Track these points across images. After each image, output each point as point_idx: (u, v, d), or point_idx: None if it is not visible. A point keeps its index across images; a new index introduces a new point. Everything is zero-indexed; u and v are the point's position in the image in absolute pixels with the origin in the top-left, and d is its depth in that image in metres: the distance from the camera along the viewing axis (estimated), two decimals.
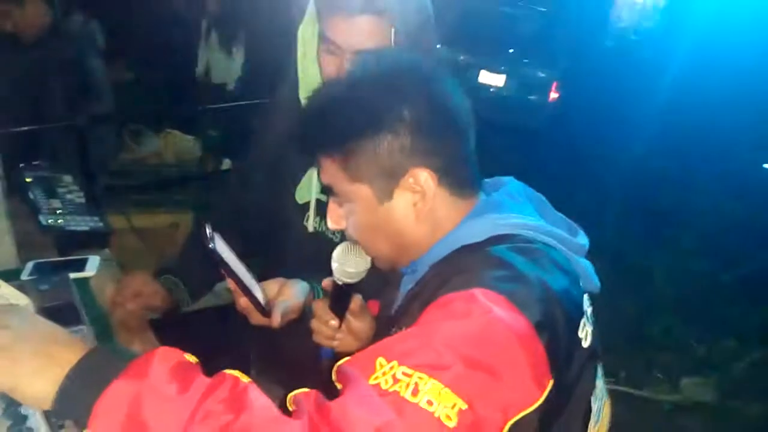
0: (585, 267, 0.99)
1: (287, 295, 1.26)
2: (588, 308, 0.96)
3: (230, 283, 1.14)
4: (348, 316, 1.14)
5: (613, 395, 1.09)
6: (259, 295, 1.19)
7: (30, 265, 1.59)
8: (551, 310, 0.82)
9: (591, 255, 1.02)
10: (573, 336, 0.88)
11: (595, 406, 0.95)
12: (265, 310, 1.20)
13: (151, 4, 6.75)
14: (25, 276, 1.55)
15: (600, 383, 0.98)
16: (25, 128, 2.61)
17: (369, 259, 1.06)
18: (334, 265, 1.08)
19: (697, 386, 3.53)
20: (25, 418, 0.78)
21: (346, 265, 1.07)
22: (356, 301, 1.12)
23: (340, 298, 1.12)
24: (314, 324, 1.16)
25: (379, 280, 1.15)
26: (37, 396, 0.71)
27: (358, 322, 1.15)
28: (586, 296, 0.97)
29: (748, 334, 3.94)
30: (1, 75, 2.48)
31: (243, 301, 1.20)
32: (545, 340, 0.79)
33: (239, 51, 5.94)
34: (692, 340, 3.95)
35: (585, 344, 0.91)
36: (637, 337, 3.94)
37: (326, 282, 1.14)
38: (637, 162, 6.19)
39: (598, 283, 1.01)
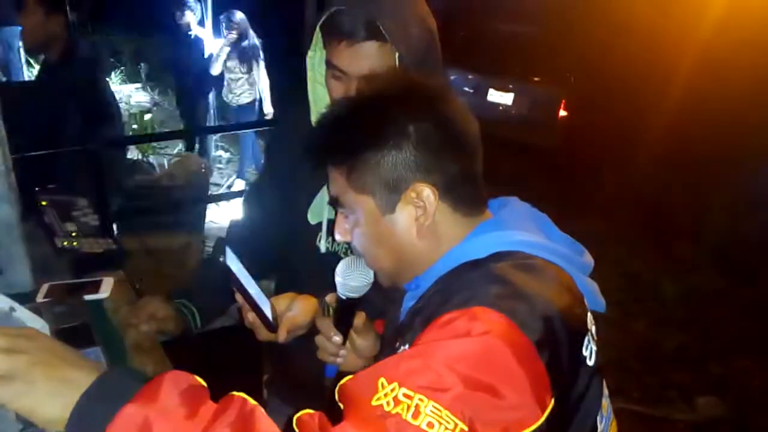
0: (590, 286, 0.99)
1: (296, 310, 1.29)
2: (592, 327, 0.96)
3: (238, 297, 1.16)
4: (351, 333, 1.14)
5: (628, 415, 1.08)
6: (268, 311, 1.21)
7: (45, 287, 1.62)
8: (553, 328, 0.82)
9: (600, 273, 1.03)
10: (577, 354, 0.88)
11: (601, 426, 0.94)
12: (272, 326, 1.22)
13: (163, 28, 6.85)
14: (40, 298, 1.57)
15: (606, 402, 0.98)
16: (41, 152, 2.65)
17: (372, 274, 1.07)
18: (338, 279, 1.09)
19: (712, 405, 3.49)
20: None
21: (349, 279, 1.08)
22: (359, 317, 1.13)
23: (343, 313, 1.13)
24: (318, 340, 1.17)
25: (383, 299, 1.16)
26: (52, 419, 0.72)
27: (362, 340, 1.15)
28: (590, 315, 0.97)
29: (764, 352, 3.90)
30: (19, 99, 2.53)
31: (251, 317, 1.22)
32: (546, 358, 0.79)
33: (258, 74, 6.09)
34: (707, 358, 3.91)
35: (590, 362, 0.91)
36: (651, 355, 3.91)
37: (330, 297, 1.15)
38: (647, 176, 6.17)
39: (603, 302, 1.02)
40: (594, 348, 0.93)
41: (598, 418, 0.93)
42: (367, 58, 1.24)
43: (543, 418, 0.76)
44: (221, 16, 6.06)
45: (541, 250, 0.94)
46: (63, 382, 0.73)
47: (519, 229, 0.96)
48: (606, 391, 0.98)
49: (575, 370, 0.87)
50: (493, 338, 0.76)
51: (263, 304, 1.20)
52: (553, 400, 0.78)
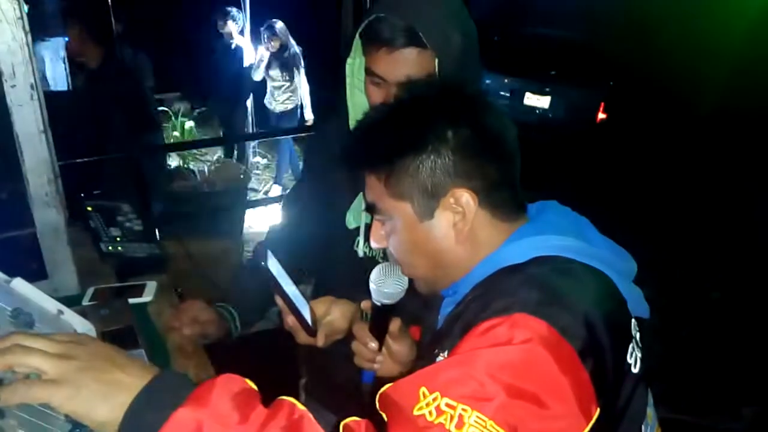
0: (633, 291, 0.97)
1: (334, 315, 1.29)
2: (636, 333, 0.93)
3: (278, 300, 1.17)
4: (387, 338, 1.14)
5: (672, 424, 1.06)
6: (307, 315, 1.21)
7: (91, 290, 1.66)
8: (596, 335, 0.80)
9: (644, 279, 1.00)
10: (621, 362, 0.86)
11: None
12: (311, 330, 1.22)
13: (201, 36, 6.97)
14: (86, 301, 1.61)
15: (651, 411, 0.96)
16: (87, 159, 2.73)
17: (406, 280, 1.06)
18: (372, 286, 1.09)
19: (759, 415, 3.39)
20: None
21: (384, 285, 1.08)
22: (395, 323, 1.12)
23: (379, 319, 1.13)
24: (355, 346, 1.17)
25: (419, 305, 1.16)
26: (104, 421, 0.73)
27: (398, 345, 1.15)
28: (634, 321, 0.94)
29: None
30: (65, 108, 2.60)
31: (290, 320, 1.22)
32: (590, 366, 0.77)
33: (299, 82, 6.19)
34: (753, 366, 3.80)
35: (635, 370, 0.88)
36: (696, 363, 3.82)
37: (365, 304, 1.15)
38: (690, 179, 6.04)
39: (648, 308, 0.99)
40: (639, 355, 0.91)
41: (643, 427, 0.92)
42: (406, 64, 1.25)
43: (588, 428, 0.74)
44: (263, 28, 6.16)
45: (582, 254, 0.92)
46: (113, 385, 0.74)
47: (558, 233, 0.94)
48: (651, 400, 0.96)
49: (620, 379, 0.85)
50: (535, 346, 0.75)
51: (302, 308, 1.21)
52: (598, 409, 0.76)
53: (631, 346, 0.89)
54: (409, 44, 1.23)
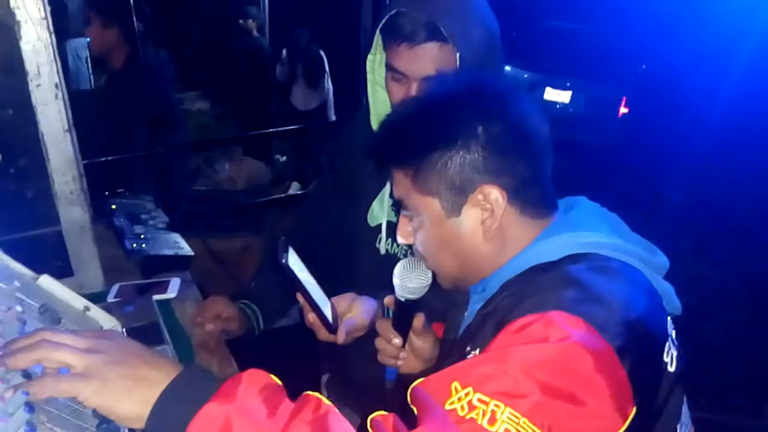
0: (666, 288, 0.95)
1: (355, 312, 1.28)
2: (672, 331, 0.91)
3: (299, 297, 1.16)
4: (411, 334, 1.13)
5: (696, 422, 1.04)
6: (328, 312, 1.21)
7: (116, 287, 1.68)
8: (634, 333, 0.78)
9: (666, 274, 0.99)
10: (658, 360, 0.84)
11: None
12: (332, 327, 1.22)
13: (222, 34, 7.02)
14: (111, 298, 1.63)
15: (686, 410, 0.94)
16: (110, 157, 2.76)
17: (430, 275, 1.05)
18: (396, 281, 1.08)
19: None
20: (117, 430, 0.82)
21: (408, 280, 1.07)
22: (418, 319, 1.11)
23: (402, 315, 1.12)
24: (378, 343, 1.16)
25: (442, 302, 1.15)
26: (131, 416, 0.74)
27: (421, 342, 1.14)
28: (669, 318, 0.92)
29: None
30: (89, 107, 2.63)
31: (311, 317, 1.22)
32: (628, 365, 0.75)
33: (323, 81, 6.25)
34: None
35: (671, 368, 0.87)
36: (719, 361, 3.76)
37: (388, 299, 1.14)
38: (713, 174, 5.95)
39: (679, 305, 0.97)
40: (675, 353, 0.89)
41: (679, 427, 0.90)
42: (427, 59, 1.23)
43: (624, 428, 0.73)
44: (289, 40, 6.22)
45: (617, 251, 0.90)
46: (140, 380, 0.75)
47: (591, 229, 0.92)
48: (685, 399, 0.94)
49: (657, 377, 0.83)
50: (572, 344, 0.73)
51: (324, 305, 1.20)
52: (634, 409, 0.74)
53: (667, 344, 0.87)
54: (430, 39, 1.22)
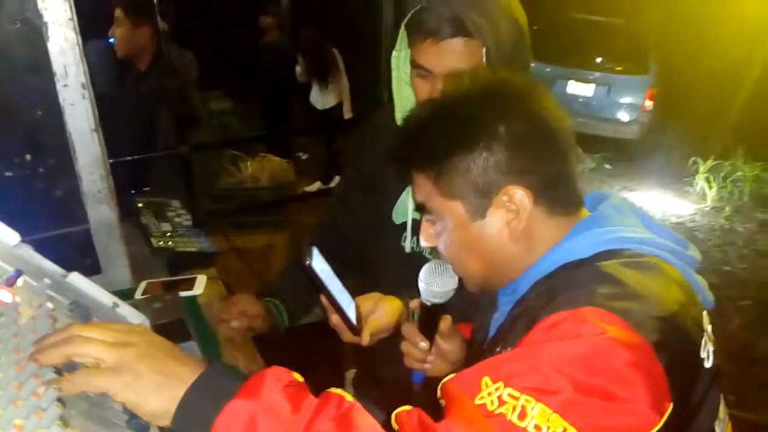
0: (699, 282, 0.93)
1: (380, 312, 1.27)
2: (708, 326, 0.89)
3: (323, 299, 1.15)
4: (437, 337, 1.12)
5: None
6: (352, 314, 1.19)
7: (143, 284, 1.70)
8: (670, 328, 0.77)
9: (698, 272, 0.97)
10: (695, 356, 0.82)
11: (717, 430, 0.88)
12: (356, 329, 1.20)
13: (245, 36, 7.06)
14: (138, 295, 1.65)
15: (723, 406, 0.91)
16: (136, 157, 2.79)
17: (456, 278, 1.04)
18: (421, 285, 1.06)
19: None
20: (146, 429, 0.82)
21: (433, 284, 1.05)
22: (445, 321, 1.10)
23: (428, 319, 1.11)
24: (404, 347, 1.14)
25: (469, 303, 1.14)
26: (157, 412, 0.74)
27: (448, 344, 1.13)
28: (705, 313, 0.90)
29: None
30: (117, 105, 2.66)
31: (335, 318, 1.20)
32: (665, 361, 0.73)
33: (340, 79, 6.29)
34: None
35: (708, 364, 0.84)
36: (746, 357, 3.70)
37: (414, 303, 1.13)
38: (740, 168, 5.85)
39: (712, 299, 0.95)
40: (711, 349, 0.86)
41: (716, 425, 0.87)
42: (452, 55, 1.22)
43: (660, 424, 0.71)
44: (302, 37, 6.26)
45: (650, 245, 0.88)
46: (168, 376, 0.75)
47: (621, 224, 0.90)
48: (722, 396, 0.92)
49: (695, 374, 0.81)
50: (606, 340, 0.72)
51: (347, 306, 1.18)
52: (671, 405, 0.73)
53: (704, 339, 0.85)
54: (456, 34, 1.20)
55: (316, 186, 6.35)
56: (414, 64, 1.28)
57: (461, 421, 0.71)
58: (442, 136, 0.91)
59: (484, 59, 1.21)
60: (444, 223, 0.95)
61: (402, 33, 1.32)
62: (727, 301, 4.14)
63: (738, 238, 5.26)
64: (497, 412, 0.69)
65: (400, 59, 1.37)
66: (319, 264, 1.10)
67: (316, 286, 1.11)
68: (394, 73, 1.39)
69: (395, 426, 0.77)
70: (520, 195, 0.88)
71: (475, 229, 0.92)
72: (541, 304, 0.83)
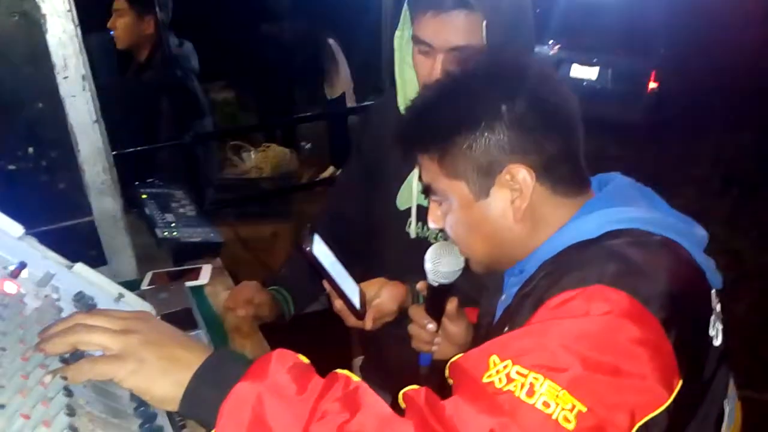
0: (707, 261, 0.93)
1: (384, 297, 1.28)
2: (717, 305, 0.89)
3: (326, 285, 1.16)
4: (444, 319, 1.12)
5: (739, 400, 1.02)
6: (355, 299, 1.20)
7: (149, 275, 1.70)
8: (679, 305, 0.77)
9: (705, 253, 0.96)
10: (704, 334, 0.82)
11: (727, 408, 0.88)
12: (359, 314, 1.21)
13: (246, 25, 7.04)
14: (144, 285, 1.65)
15: (732, 385, 0.92)
16: (140, 147, 2.79)
17: (462, 259, 1.04)
18: (428, 265, 1.07)
19: None
20: (154, 416, 0.83)
21: (440, 265, 1.06)
22: (452, 303, 1.11)
23: (435, 300, 1.12)
24: (412, 329, 1.16)
25: (475, 286, 1.14)
26: (164, 397, 0.75)
27: (455, 326, 1.13)
28: (713, 292, 0.90)
29: None
30: (118, 96, 2.66)
31: (338, 304, 1.22)
32: (674, 338, 0.74)
33: (342, 69, 6.27)
34: None
35: (716, 343, 0.85)
36: (754, 337, 3.69)
37: (421, 285, 1.13)
38: (744, 149, 5.81)
39: (721, 279, 0.94)
40: (720, 327, 0.87)
41: (725, 403, 0.88)
42: (453, 28, 1.21)
43: (670, 400, 0.71)
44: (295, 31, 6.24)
45: (658, 225, 0.87)
46: (174, 361, 0.76)
47: (629, 204, 0.90)
48: (731, 376, 0.92)
49: (703, 351, 0.82)
50: (615, 317, 0.72)
51: (351, 291, 1.19)
52: (680, 382, 0.73)
53: (712, 317, 0.85)
54: (456, 6, 1.20)
55: (329, 172, 6.36)
56: (416, 40, 1.28)
57: (469, 398, 0.71)
58: (445, 116, 0.92)
59: (484, 34, 1.20)
60: (450, 204, 0.96)
61: (405, 12, 1.32)
62: (736, 282, 4.12)
63: (746, 218, 5.23)
64: (505, 389, 0.69)
65: (402, 39, 1.37)
66: (320, 250, 1.11)
67: (318, 271, 1.11)
68: (396, 55, 1.39)
69: (402, 404, 0.77)
70: (522, 174, 0.88)
71: (480, 208, 0.92)
72: (548, 284, 0.83)
